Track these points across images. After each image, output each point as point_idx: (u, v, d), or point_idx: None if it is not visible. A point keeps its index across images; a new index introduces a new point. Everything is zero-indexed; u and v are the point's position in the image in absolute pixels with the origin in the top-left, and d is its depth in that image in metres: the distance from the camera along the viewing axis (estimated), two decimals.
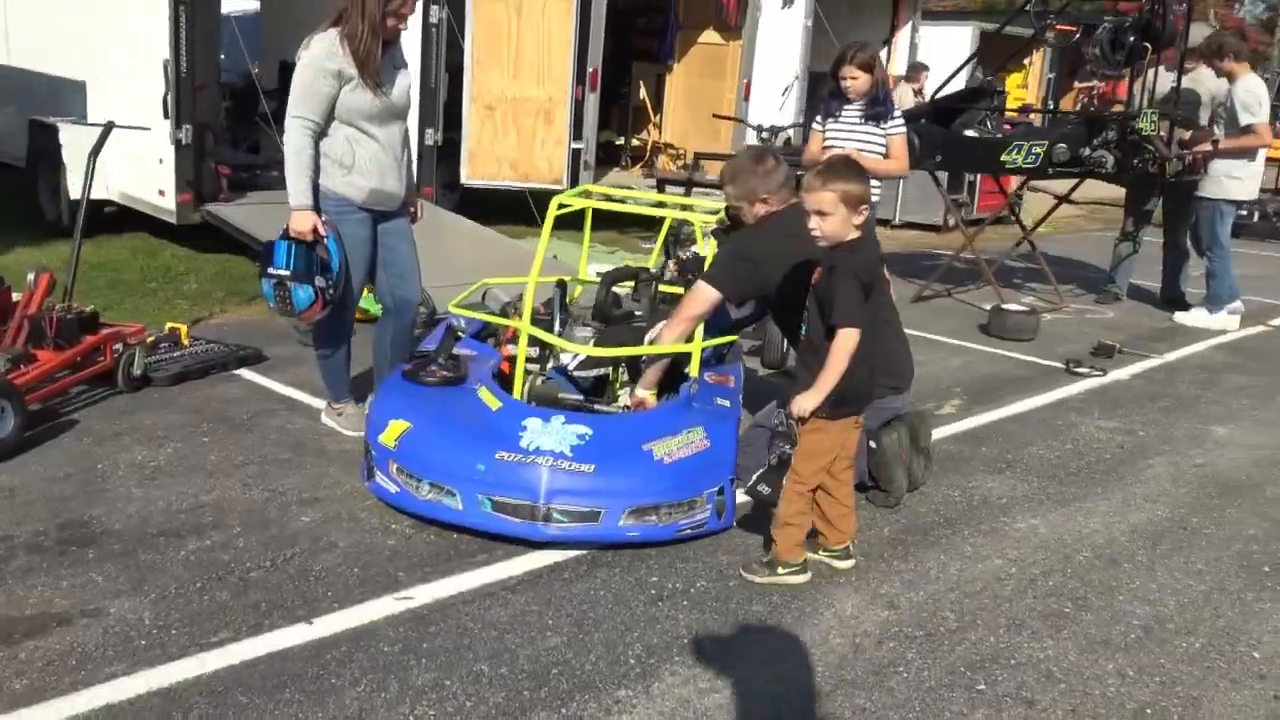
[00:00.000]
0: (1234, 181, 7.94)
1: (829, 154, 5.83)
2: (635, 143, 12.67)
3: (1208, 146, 7.89)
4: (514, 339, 4.91)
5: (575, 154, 10.19)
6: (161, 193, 8.16)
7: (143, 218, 8.64)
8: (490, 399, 4.07)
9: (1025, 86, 18.22)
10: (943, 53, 13.90)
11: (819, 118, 6.20)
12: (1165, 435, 5.58)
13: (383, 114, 4.50)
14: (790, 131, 11.15)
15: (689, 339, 4.36)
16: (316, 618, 3.25)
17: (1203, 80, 8.43)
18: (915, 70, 13.83)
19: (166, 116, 7.86)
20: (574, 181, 10.25)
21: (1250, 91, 7.76)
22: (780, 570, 3.67)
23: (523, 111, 10.08)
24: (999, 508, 4.48)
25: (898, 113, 6.07)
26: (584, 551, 3.78)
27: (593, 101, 10.22)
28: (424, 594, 3.44)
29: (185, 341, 5.78)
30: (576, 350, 4.59)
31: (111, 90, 8.43)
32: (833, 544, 3.81)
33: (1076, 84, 19.64)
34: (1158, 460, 5.19)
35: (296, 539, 3.77)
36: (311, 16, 9.73)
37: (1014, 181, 10.16)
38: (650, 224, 11.08)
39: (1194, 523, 4.45)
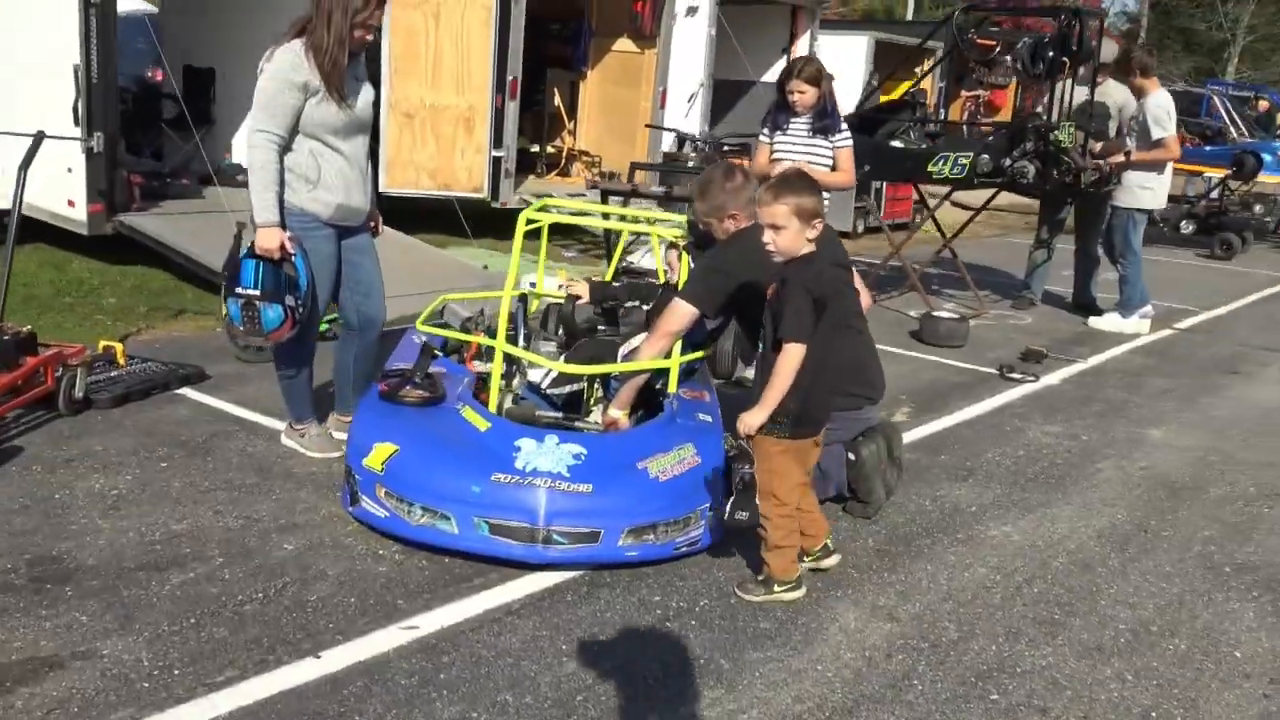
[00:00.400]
0: (1146, 191, 8.27)
1: (777, 166, 5.89)
2: (550, 150, 12.58)
3: (1121, 158, 8.20)
4: (479, 355, 4.84)
5: (496, 162, 10.08)
6: (71, 203, 7.78)
7: (41, 227, 8.21)
8: (477, 419, 3.99)
9: None
10: (839, 61, 14.10)
11: (766, 129, 6.25)
12: (1106, 439, 5.77)
13: (347, 127, 4.38)
14: (704, 145, 11.18)
15: (667, 355, 4.34)
16: (324, 651, 3.15)
17: (1110, 93, 8.74)
18: None
19: (77, 124, 7.52)
20: (495, 190, 10.14)
21: (1160, 106, 8.08)
22: (776, 588, 3.67)
23: (442, 119, 9.91)
24: (970, 516, 4.57)
25: (845, 126, 6.15)
26: (581, 573, 3.74)
27: (513, 110, 10.13)
28: (429, 622, 3.35)
29: (122, 361, 5.52)
30: (555, 367, 4.54)
31: (11, 97, 8.01)
32: (810, 548, 3.84)
33: (964, 92, 20.23)
34: (1105, 464, 5.36)
35: (284, 568, 3.64)
36: (215, 19, 9.49)
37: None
38: (573, 233, 11.09)
39: (1153, 525, 4.61)
